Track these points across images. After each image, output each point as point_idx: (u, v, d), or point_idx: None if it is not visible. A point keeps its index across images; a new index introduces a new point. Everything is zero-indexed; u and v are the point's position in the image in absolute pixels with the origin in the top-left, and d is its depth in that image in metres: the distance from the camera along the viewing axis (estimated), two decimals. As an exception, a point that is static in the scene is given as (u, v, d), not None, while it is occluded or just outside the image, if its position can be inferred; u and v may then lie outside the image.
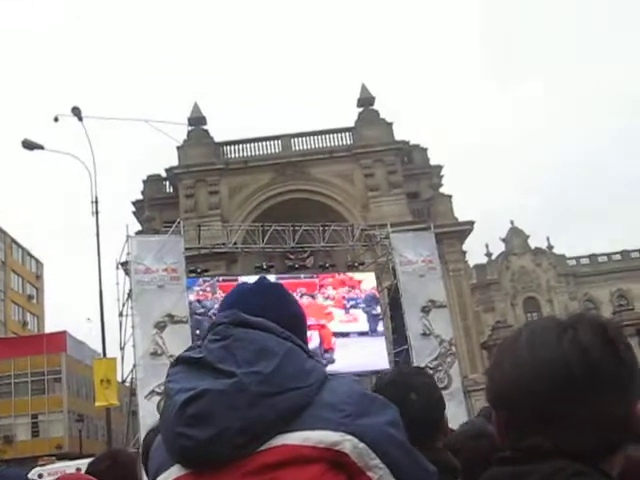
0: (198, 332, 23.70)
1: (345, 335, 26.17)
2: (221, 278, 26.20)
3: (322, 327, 25.57)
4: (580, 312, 1.44)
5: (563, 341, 1.32)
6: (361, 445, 1.52)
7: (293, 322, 1.81)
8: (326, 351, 25.45)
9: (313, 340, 24.64)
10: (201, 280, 25.47)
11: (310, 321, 24.84)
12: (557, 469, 1.28)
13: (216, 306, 24.58)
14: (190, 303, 24.02)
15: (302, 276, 27.17)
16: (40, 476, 19.79)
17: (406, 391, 2.24)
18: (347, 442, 1.51)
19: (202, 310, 24.60)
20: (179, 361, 1.69)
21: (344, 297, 27.06)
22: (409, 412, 1.99)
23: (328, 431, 1.52)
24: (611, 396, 1.28)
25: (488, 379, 1.45)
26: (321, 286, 26.66)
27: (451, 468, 2.43)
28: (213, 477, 1.50)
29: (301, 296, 25.00)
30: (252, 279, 1.98)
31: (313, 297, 25.96)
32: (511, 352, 1.40)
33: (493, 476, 1.41)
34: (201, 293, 25.11)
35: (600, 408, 1.28)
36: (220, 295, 24.54)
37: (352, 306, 27.01)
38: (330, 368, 24.77)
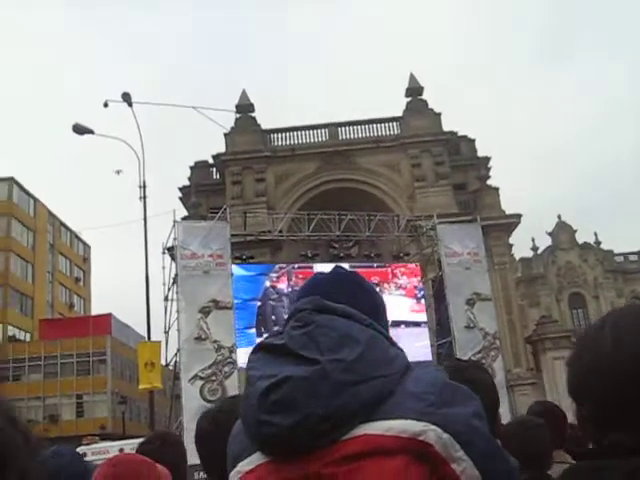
0: (274, 318, 24.20)
1: (408, 325, 26.16)
2: (297, 265, 26.59)
3: None
4: None
5: None
6: (445, 435, 1.47)
7: (374, 311, 1.76)
8: None
9: None
10: (277, 267, 26.13)
11: None
12: (638, 467, 1.23)
13: (287, 291, 25.35)
14: (265, 289, 25.04)
15: (374, 265, 27.28)
16: (84, 455, 20.12)
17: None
18: (431, 432, 1.47)
19: (276, 296, 25.36)
20: (260, 348, 1.66)
21: (415, 286, 27.11)
22: None
23: (411, 420, 1.47)
24: None
25: (568, 371, 1.40)
26: (393, 275, 26.67)
27: None
28: (295, 465, 1.48)
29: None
30: (327, 267, 1.93)
31: (378, 285, 25.94)
32: (593, 344, 1.35)
33: (574, 470, 1.36)
34: (275, 279, 25.74)
35: None
36: (295, 282, 25.40)
37: (423, 296, 27.12)
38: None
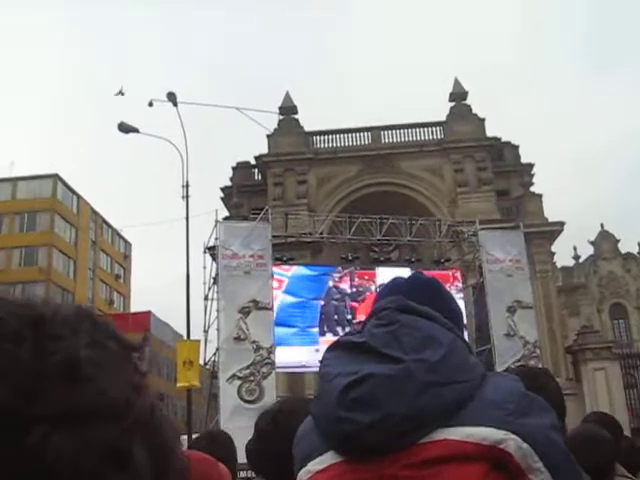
0: (336, 317, 24.44)
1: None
2: (358, 267, 26.80)
3: None
4: None
5: None
6: (524, 445, 1.45)
7: (451, 317, 1.75)
8: None
9: None
10: (340, 267, 26.37)
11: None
12: None
13: (350, 291, 25.84)
14: (328, 289, 25.47)
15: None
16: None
17: (531, 392, 2.12)
18: (511, 441, 1.45)
19: (339, 296, 25.76)
20: (337, 345, 1.66)
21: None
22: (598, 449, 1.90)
23: (492, 428, 1.46)
24: None
25: None
26: (454, 278, 26.73)
27: None
28: (370, 466, 1.45)
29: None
30: (388, 270, 1.88)
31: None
32: None
33: None
34: (338, 279, 26.06)
35: None
36: (357, 282, 25.95)
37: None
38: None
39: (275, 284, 23.80)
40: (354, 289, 25.87)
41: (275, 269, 24.24)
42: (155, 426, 0.58)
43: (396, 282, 1.89)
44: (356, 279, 26.02)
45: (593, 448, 3.08)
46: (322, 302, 25.37)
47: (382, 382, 1.46)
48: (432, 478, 1.43)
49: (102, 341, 0.60)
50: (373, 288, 25.53)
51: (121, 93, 26.91)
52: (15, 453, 0.49)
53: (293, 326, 24.28)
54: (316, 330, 24.77)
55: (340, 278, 25.97)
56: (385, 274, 25.56)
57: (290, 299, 24.57)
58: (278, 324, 23.12)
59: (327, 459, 1.52)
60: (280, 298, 24.27)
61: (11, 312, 0.56)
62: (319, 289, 25.61)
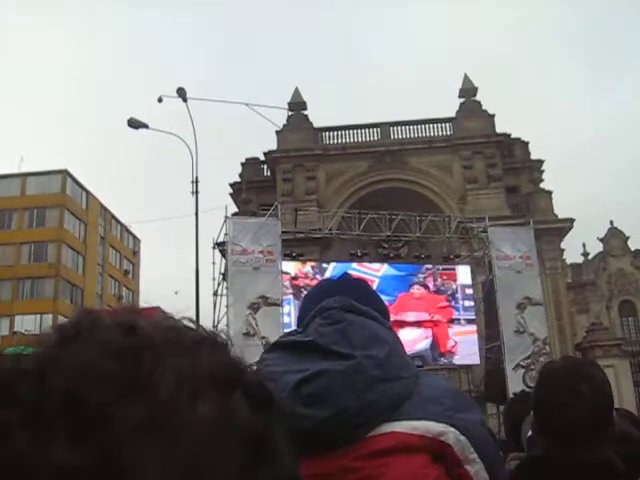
0: None
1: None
2: (441, 267, 27.12)
3: (435, 324, 25.30)
4: None
5: None
6: (462, 438, 1.55)
7: (381, 316, 1.82)
8: (442, 354, 25.23)
9: (423, 342, 24.59)
10: (424, 267, 26.69)
11: (421, 316, 24.70)
12: None
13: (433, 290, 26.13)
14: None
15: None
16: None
17: (578, 382, 2.09)
18: (451, 434, 1.55)
19: None
20: (277, 346, 1.70)
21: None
22: (578, 405, 1.89)
23: (433, 422, 1.55)
24: None
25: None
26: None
27: (616, 470, 2.29)
28: (323, 460, 1.48)
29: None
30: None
31: (426, 287, 25.99)
32: None
33: None
34: (422, 279, 26.35)
35: None
36: (440, 282, 26.43)
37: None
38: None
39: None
40: (436, 288, 26.18)
41: (364, 269, 24.81)
42: None
43: (327, 283, 1.95)
44: (439, 279, 26.36)
45: (624, 446, 3.02)
46: None
47: (335, 377, 1.50)
48: (381, 468, 1.48)
49: None
50: (454, 287, 26.22)
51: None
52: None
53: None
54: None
55: (424, 278, 26.23)
56: (466, 273, 26.58)
57: (385, 298, 24.63)
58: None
59: None
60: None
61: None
62: (404, 288, 25.85)
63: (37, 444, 0.49)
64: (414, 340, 24.45)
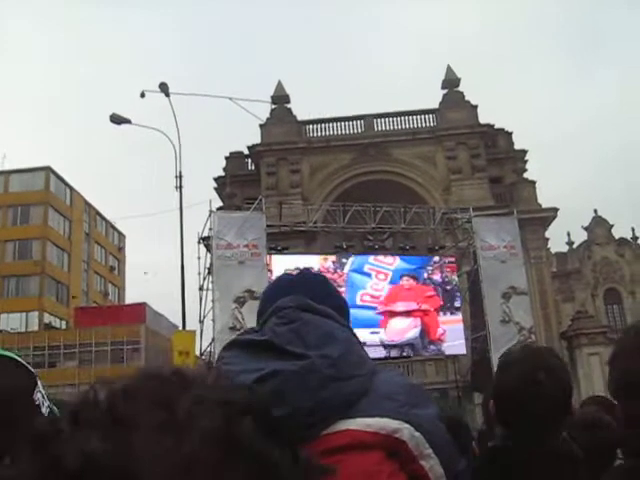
0: None
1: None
2: (447, 260, 27.49)
3: (425, 314, 25.42)
4: None
5: None
6: (417, 434, 1.57)
7: (340, 311, 1.83)
8: (432, 342, 25.35)
9: (412, 331, 24.74)
10: (432, 260, 27.09)
11: (410, 306, 24.86)
12: None
13: (439, 282, 26.73)
14: (423, 280, 26.34)
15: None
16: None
17: (536, 371, 2.09)
18: (405, 430, 1.56)
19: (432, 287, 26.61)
20: (235, 344, 1.71)
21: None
22: (536, 394, 1.91)
23: (388, 418, 1.56)
24: None
25: (608, 372, 1.45)
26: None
27: (575, 458, 2.31)
28: None
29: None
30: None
31: (416, 278, 26.06)
32: (623, 347, 1.40)
33: (634, 468, 1.37)
34: (431, 272, 26.83)
35: None
36: (445, 274, 26.97)
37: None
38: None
39: (382, 276, 25.14)
40: (442, 280, 26.62)
41: (379, 263, 25.32)
42: None
43: (285, 280, 1.94)
44: (445, 271, 26.84)
45: (595, 433, 3.04)
46: None
47: (289, 377, 1.51)
48: (335, 466, 1.48)
49: None
50: (456, 278, 26.91)
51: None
52: None
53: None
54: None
55: (432, 270, 26.63)
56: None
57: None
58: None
59: None
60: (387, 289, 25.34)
61: None
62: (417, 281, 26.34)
63: None
64: (403, 329, 24.83)
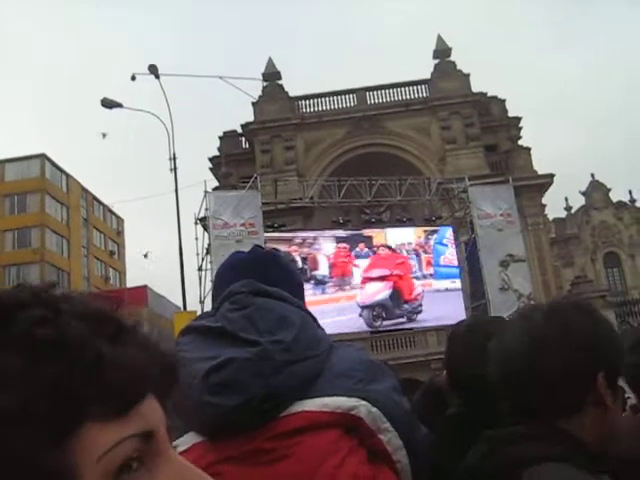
0: None
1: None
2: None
3: (399, 278, 25.71)
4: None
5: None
6: (374, 409, 1.58)
7: (295, 289, 1.83)
8: (406, 302, 25.59)
9: (383, 293, 25.07)
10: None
11: (383, 272, 25.25)
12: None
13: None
14: None
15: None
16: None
17: (484, 340, 2.11)
18: (362, 407, 1.57)
19: None
20: (191, 329, 1.70)
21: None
22: (484, 362, 1.93)
23: (344, 397, 1.57)
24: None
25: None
26: None
27: None
28: (234, 443, 1.52)
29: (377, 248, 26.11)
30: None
31: (390, 248, 26.26)
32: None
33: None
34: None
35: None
36: None
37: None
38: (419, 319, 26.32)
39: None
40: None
41: None
42: None
43: (236, 259, 1.91)
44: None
45: None
46: None
47: (242, 365, 1.51)
48: (293, 447, 1.51)
49: None
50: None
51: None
52: None
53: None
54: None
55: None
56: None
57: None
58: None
59: (189, 439, 1.56)
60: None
61: None
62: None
63: None
64: (374, 293, 25.38)
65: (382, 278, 25.74)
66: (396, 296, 25.60)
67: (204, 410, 1.51)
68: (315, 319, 1.76)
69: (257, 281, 1.72)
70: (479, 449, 1.58)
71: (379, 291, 25.47)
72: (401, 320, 26.05)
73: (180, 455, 1.56)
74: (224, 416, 1.49)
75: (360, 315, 24.83)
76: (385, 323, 25.81)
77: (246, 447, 1.51)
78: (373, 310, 25.25)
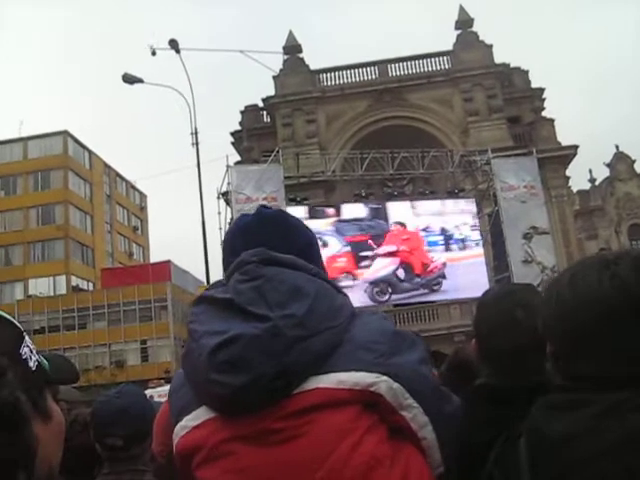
0: None
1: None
2: None
3: (410, 253, 25.52)
4: (626, 249, 1.51)
5: (603, 279, 1.32)
6: (395, 385, 1.49)
7: (308, 250, 1.74)
8: (418, 275, 25.43)
9: (387, 269, 24.89)
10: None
11: (390, 248, 25.04)
12: (621, 400, 1.26)
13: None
14: None
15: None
16: (151, 397, 20.65)
17: (513, 308, 2.00)
18: (382, 383, 1.48)
19: None
20: (204, 300, 1.62)
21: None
22: (513, 331, 1.89)
23: (363, 372, 1.48)
24: None
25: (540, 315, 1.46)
26: None
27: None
28: (246, 421, 1.46)
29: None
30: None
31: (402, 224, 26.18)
32: (554, 291, 1.43)
33: (550, 402, 1.38)
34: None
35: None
36: None
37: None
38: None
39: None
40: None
41: None
42: None
43: (243, 222, 1.78)
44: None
45: None
46: None
47: (251, 342, 1.43)
48: (306, 426, 1.44)
49: None
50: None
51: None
52: None
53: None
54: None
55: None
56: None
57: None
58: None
59: (201, 414, 1.52)
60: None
61: None
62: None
63: None
64: (379, 269, 25.08)
65: (390, 254, 25.57)
66: (408, 270, 25.48)
67: (210, 388, 1.46)
68: (335, 285, 1.65)
69: (266, 245, 1.63)
70: (582, 414, 1.32)
71: (384, 267, 25.32)
72: (415, 293, 25.85)
73: (193, 431, 1.52)
74: (232, 395, 1.43)
75: (365, 291, 24.62)
76: (395, 297, 25.66)
77: (257, 426, 1.45)
78: (376, 286, 25.13)
